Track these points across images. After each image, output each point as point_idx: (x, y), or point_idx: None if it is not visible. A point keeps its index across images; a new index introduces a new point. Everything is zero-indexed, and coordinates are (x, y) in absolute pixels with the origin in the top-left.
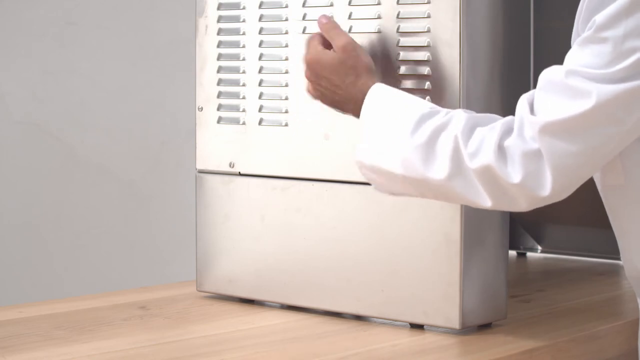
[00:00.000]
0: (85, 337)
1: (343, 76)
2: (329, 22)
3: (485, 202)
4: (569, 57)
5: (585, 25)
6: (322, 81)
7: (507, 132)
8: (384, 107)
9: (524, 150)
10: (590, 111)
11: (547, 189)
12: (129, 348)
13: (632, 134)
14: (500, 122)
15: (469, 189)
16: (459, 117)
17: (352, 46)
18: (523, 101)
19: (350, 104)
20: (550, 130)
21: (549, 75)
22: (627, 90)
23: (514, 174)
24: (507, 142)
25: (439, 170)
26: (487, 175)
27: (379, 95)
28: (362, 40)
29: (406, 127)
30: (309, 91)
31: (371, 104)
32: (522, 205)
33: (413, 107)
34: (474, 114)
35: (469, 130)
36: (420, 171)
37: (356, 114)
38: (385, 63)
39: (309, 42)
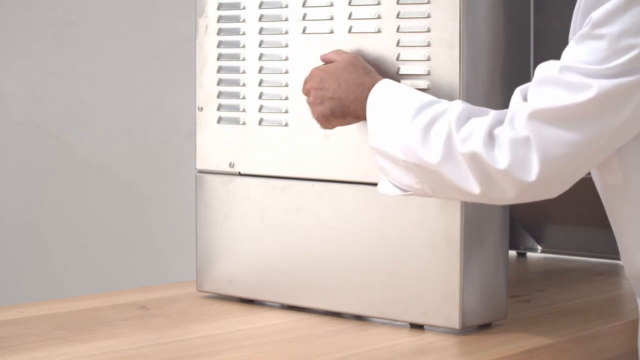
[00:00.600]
0: (85, 337)
1: (353, 71)
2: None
3: (474, 188)
4: (565, 53)
5: (582, 23)
6: (326, 83)
7: (499, 121)
8: (390, 94)
9: (512, 137)
10: (583, 104)
11: (533, 174)
12: (129, 348)
13: (624, 131)
14: (493, 112)
15: (458, 175)
16: (457, 106)
17: (360, 57)
18: (517, 93)
19: (353, 96)
20: (540, 116)
21: (545, 69)
22: (621, 85)
23: (501, 160)
24: (497, 130)
25: (432, 154)
26: (475, 161)
27: (387, 84)
28: (362, 40)
29: (408, 113)
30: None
31: (379, 91)
32: (509, 193)
33: (416, 96)
34: (471, 106)
35: (464, 119)
36: (418, 154)
37: (359, 107)
38: (385, 63)
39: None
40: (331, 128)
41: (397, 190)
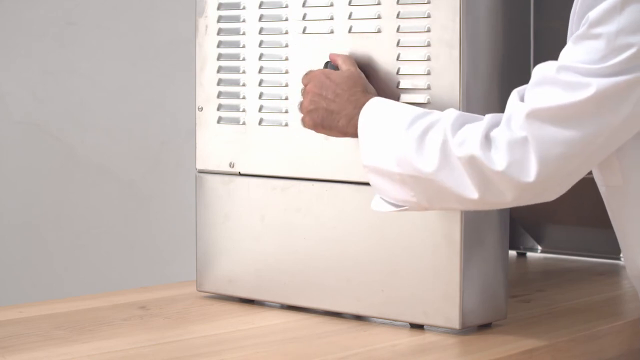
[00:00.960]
0: (85, 337)
1: (352, 87)
2: (336, 54)
3: (472, 193)
4: (563, 53)
5: (579, 23)
6: (324, 90)
7: (495, 124)
8: (382, 110)
9: (509, 138)
10: (581, 102)
11: (532, 175)
12: (129, 348)
13: (622, 130)
14: (488, 116)
15: (456, 180)
16: (450, 113)
17: (363, 75)
18: (514, 95)
19: (344, 112)
20: (538, 115)
21: (542, 70)
22: (619, 84)
23: (498, 162)
24: (494, 133)
25: (428, 162)
26: (473, 165)
27: (379, 101)
28: (362, 40)
29: (401, 126)
30: (301, 107)
31: (371, 107)
32: (508, 195)
33: (408, 109)
34: (465, 113)
35: (459, 126)
36: (413, 165)
37: (347, 123)
38: (385, 63)
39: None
40: (315, 132)
41: (390, 207)
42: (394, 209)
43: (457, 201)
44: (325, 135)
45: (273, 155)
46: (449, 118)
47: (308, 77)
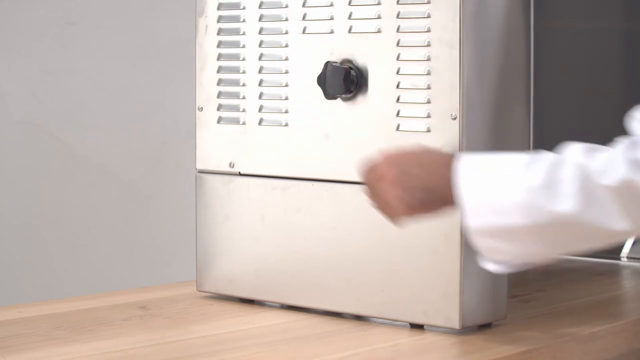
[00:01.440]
0: (85, 337)
1: (433, 154)
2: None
3: (623, 224)
4: None
5: None
6: (407, 167)
7: (634, 145)
8: (482, 163)
9: None
10: None
11: None
12: (129, 348)
13: None
14: (621, 140)
15: (604, 214)
16: (575, 148)
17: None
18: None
19: (443, 181)
20: None
21: None
22: None
23: None
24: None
25: (567, 203)
26: (627, 190)
27: (469, 156)
28: (362, 40)
29: (516, 174)
30: (381, 204)
31: (466, 164)
32: None
33: (509, 156)
34: (586, 144)
35: (589, 155)
36: (547, 210)
37: (450, 188)
38: (385, 63)
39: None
40: (411, 218)
41: (505, 267)
42: (508, 269)
43: (601, 238)
44: (326, 136)
45: (273, 155)
46: (576, 151)
47: (377, 170)
